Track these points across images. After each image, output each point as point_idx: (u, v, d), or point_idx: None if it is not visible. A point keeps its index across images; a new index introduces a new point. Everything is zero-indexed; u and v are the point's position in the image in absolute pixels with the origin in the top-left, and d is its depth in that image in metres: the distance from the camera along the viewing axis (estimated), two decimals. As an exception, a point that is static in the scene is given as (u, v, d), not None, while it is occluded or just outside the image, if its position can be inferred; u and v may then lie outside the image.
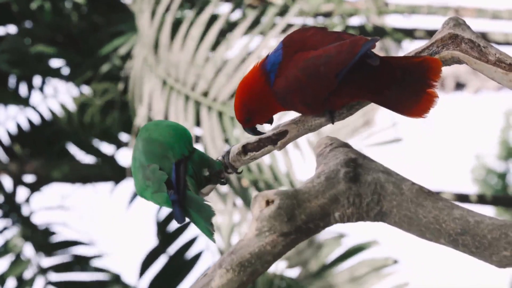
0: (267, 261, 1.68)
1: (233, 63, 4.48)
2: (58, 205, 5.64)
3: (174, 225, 5.23)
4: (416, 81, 1.88)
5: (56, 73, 5.61)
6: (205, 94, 4.53)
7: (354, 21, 5.40)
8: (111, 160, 5.69)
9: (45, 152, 5.72)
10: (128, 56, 5.27)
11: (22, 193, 5.71)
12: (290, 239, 1.68)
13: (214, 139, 4.43)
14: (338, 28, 5.01)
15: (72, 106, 5.65)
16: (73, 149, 5.75)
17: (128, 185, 5.74)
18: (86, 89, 5.65)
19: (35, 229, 5.50)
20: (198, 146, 4.57)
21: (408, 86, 1.88)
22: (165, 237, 5.20)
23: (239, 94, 1.96)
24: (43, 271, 5.40)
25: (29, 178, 5.76)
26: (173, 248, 5.19)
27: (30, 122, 5.71)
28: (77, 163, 5.71)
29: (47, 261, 5.43)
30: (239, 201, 4.73)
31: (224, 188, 4.66)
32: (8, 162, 5.71)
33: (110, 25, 5.46)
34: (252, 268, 1.67)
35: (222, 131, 4.44)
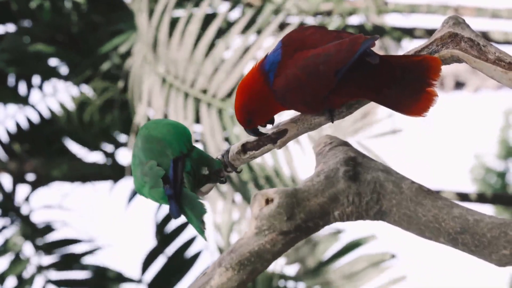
0: (266, 260, 1.68)
1: (231, 60, 4.48)
2: (57, 204, 5.64)
3: (173, 224, 5.23)
4: (416, 80, 1.88)
5: (55, 72, 5.61)
6: (204, 91, 4.53)
7: (354, 20, 5.40)
8: (112, 157, 5.70)
9: (44, 150, 5.72)
10: (127, 54, 5.27)
11: (21, 192, 5.71)
12: (290, 237, 1.68)
13: (214, 135, 4.44)
14: (336, 27, 5.00)
15: (71, 105, 5.65)
16: (73, 148, 5.75)
17: (127, 184, 5.75)
18: (86, 88, 5.65)
19: (35, 228, 5.50)
20: (199, 145, 4.57)
21: (407, 85, 1.88)
22: (165, 237, 5.21)
23: (239, 96, 1.96)
24: (42, 269, 5.40)
25: (28, 176, 5.76)
26: (172, 247, 5.19)
27: (29, 121, 5.71)
28: (77, 162, 5.70)
29: (47, 260, 5.44)
30: (238, 198, 4.73)
31: (224, 186, 4.66)
32: (8, 161, 5.71)
33: (109, 24, 5.46)
34: (251, 267, 1.67)
35: (221, 127, 4.45)
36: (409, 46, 5.59)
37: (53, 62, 5.64)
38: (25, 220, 5.54)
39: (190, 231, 5.17)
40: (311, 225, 1.68)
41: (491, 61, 1.89)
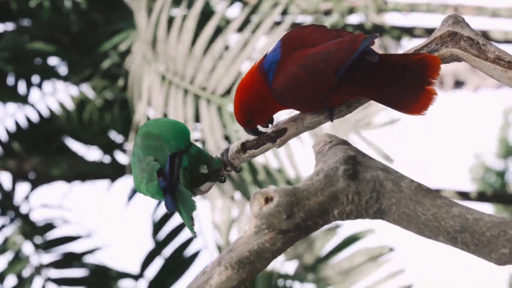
0: (266, 259, 1.68)
1: (230, 55, 4.48)
2: (57, 202, 5.64)
3: (172, 223, 5.23)
4: (415, 78, 1.88)
5: (54, 72, 5.61)
6: (204, 88, 4.53)
7: (353, 19, 5.40)
8: (111, 156, 5.69)
9: (44, 149, 5.72)
10: (127, 53, 5.27)
11: (21, 191, 5.71)
12: (289, 236, 1.68)
13: (214, 132, 4.44)
14: (330, 25, 5.00)
15: (70, 105, 5.65)
16: (73, 146, 5.75)
17: (127, 182, 5.75)
18: (85, 88, 5.65)
19: (34, 227, 5.50)
20: (198, 145, 4.56)
21: (407, 84, 1.88)
22: (164, 235, 5.21)
23: (238, 96, 1.96)
24: (42, 268, 5.40)
25: (28, 175, 5.76)
26: (171, 246, 5.19)
27: (28, 119, 5.71)
28: (76, 161, 5.70)
29: (47, 258, 5.44)
30: (237, 195, 4.73)
31: (223, 183, 4.66)
32: (7, 159, 5.71)
33: (109, 23, 5.46)
34: (251, 266, 1.67)
35: (221, 124, 4.45)
36: (408, 45, 5.59)
37: (52, 61, 5.64)
38: (25, 219, 5.54)
39: (189, 231, 5.17)
40: (311, 224, 1.68)
41: (491, 60, 1.89)
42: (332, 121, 1.95)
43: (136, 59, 4.87)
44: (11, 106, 5.75)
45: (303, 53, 1.90)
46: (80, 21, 5.56)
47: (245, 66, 4.50)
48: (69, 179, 5.74)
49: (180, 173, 1.93)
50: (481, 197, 5.72)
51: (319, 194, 1.69)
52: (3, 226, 5.54)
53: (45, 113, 5.71)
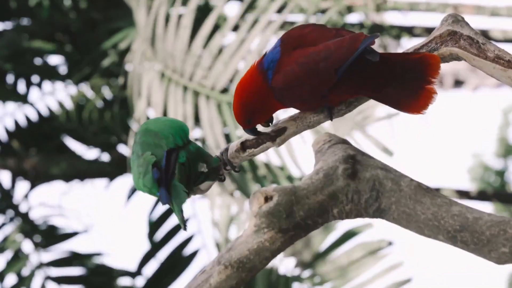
0: (265, 258, 1.68)
1: (229, 51, 4.48)
2: (57, 201, 5.64)
3: (171, 223, 5.23)
4: (415, 77, 1.88)
5: (54, 71, 5.61)
6: (203, 85, 4.54)
7: (353, 18, 5.39)
8: (111, 154, 5.70)
9: (43, 148, 5.72)
10: (126, 52, 5.27)
11: (20, 189, 5.71)
12: (289, 235, 1.68)
13: (213, 127, 4.44)
14: (326, 22, 5.00)
15: (70, 104, 5.65)
16: (72, 145, 5.75)
17: (127, 181, 5.75)
18: (85, 87, 5.65)
19: (34, 225, 5.50)
20: (199, 144, 4.56)
21: (407, 83, 1.88)
22: (163, 235, 5.20)
23: (238, 95, 1.96)
24: (42, 266, 5.40)
25: (28, 174, 5.76)
26: (170, 246, 5.19)
27: (28, 119, 5.71)
28: (76, 159, 5.70)
29: (46, 256, 5.44)
30: (236, 192, 4.73)
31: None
32: (7, 158, 5.71)
33: (108, 21, 5.46)
34: (250, 265, 1.67)
35: (220, 119, 4.45)
36: (408, 44, 5.58)
37: (52, 61, 5.64)
38: (24, 218, 5.54)
39: (189, 230, 5.16)
40: (310, 223, 1.68)
41: (490, 59, 1.89)
42: (331, 120, 1.95)
43: (136, 57, 4.87)
44: (11, 105, 5.75)
45: (303, 52, 1.90)
46: (80, 20, 5.56)
47: (244, 62, 4.50)
48: (68, 177, 5.74)
49: (176, 168, 1.93)
50: (481, 196, 5.72)
51: (319, 193, 1.69)
52: (3, 225, 5.54)
53: (45, 112, 5.71)
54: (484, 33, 5.40)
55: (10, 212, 5.58)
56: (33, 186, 5.71)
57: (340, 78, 1.87)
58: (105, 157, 5.71)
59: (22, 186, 5.73)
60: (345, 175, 1.69)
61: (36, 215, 5.57)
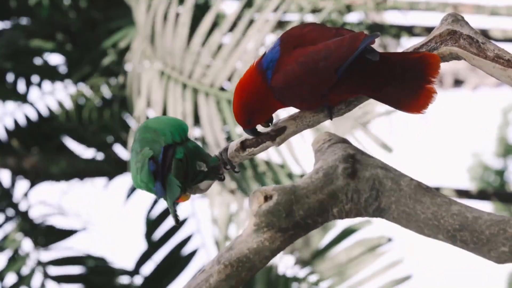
0: (265, 257, 1.68)
1: (227, 48, 4.48)
2: (56, 200, 5.64)
3: (170, 222, 5.23)
4: (415, 77, 1.87)
5: (53, 70, 5.61)
6: (202, 83, 4.54)
7: (352, 17, 5.39)
8: (110, 153, 5.69)
9: (43, 147, 5.72)
10: (126, 51, 5.27)
11: (20, 188, 5.71)
12: (288, 234, 1.68)
13: (212, 124, 4.44)
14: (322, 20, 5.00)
15: (69, 104, 5.65)
16: (71, 144, 5.75)
17: (126, 180, 5.75)
18: (84, 86, 5.64)
19: (33, 224, 5.50)
20: (199, 143, 4.55)
21: (406, 82, 1.88)
22: (162, 234, 5.21)
23: (237, 96, 1.95)
24: (42, 265, 5.40)
25: (27, 173, 5.76)
26: (169, 245, 5.19)
27: (27, 118, 5.71)
28: (75, 159, 5.70)
29: (46, 255, 5.44)
30: (236, 189, 4.73)
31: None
32: (6, 157, 5.71)
33: (108, 20, 5.46)
34: (250, 264, 1.67)
35: (219, 116, 4.45)
36: (407, 43, 5.58)
37: (52, 61, 5.64)
38: (24, 216, 5.54)
39: (187, 230, 5.17)
40: (310, 222, 1.68)
41: (490, 58, 1.89)
42: (331, 119, 1.95)
43: (135, 56, 4.87)
44: (11, 105, 5.75)
45: (303, 51, 1.90)
46: (79, 19, 5.55)
47: (243, 60, 4.50)
48: (68, 176, 5.74)
49: (172, 163, 1.94)
50: (481, 195, 5.72)
51: (319, 192, 1.68)
52: (2, 224, 5.54)
53: (44, 111, 5.71)
54: (484, 33, 5.40)
55: (10, 211, 5.58)
56: (32, 185, 5.71)
57: (340, 78, 1.87)
58: (100, 156, 5.71)
59: (22, 185, 5.73)
60: (345, 174, 1.69)
61: (36, 214, 5.57)
